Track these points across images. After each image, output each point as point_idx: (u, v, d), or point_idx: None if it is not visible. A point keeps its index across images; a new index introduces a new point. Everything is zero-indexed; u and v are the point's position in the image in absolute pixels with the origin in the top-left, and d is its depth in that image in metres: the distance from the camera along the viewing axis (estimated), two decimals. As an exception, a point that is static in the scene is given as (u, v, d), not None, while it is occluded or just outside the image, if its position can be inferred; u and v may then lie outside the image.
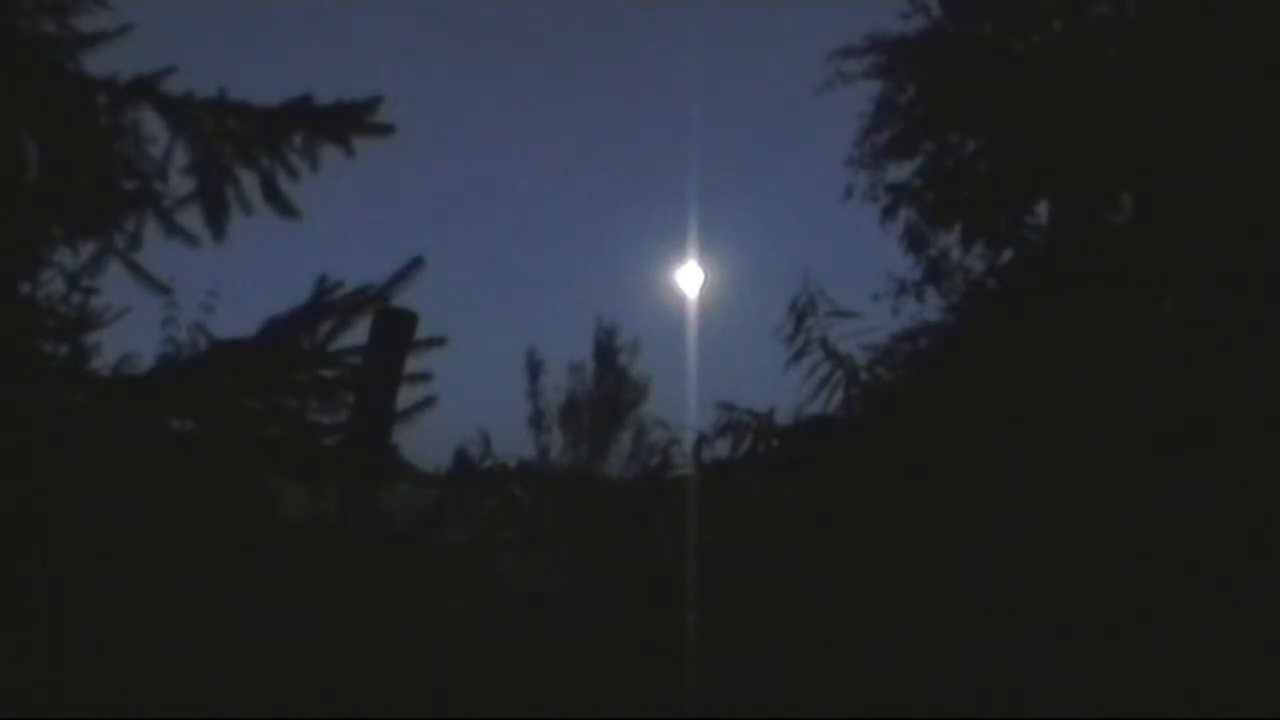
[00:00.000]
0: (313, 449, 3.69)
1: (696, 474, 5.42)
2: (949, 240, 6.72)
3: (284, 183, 4.07)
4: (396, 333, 3.61)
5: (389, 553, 3.50)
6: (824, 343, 5.58)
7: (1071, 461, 4.88)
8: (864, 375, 5.67)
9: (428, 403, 3.67)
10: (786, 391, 5.57)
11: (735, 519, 5.26)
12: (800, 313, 5.58)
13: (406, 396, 3.63)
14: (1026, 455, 4.96)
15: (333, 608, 3.32)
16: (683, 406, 6.01)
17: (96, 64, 3.98)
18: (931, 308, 6.70)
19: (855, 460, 5.39)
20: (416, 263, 3.73)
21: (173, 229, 4.06)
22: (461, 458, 5.06)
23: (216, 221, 4.06)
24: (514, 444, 6.18)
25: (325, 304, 3.77)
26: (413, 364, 3.62)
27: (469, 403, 5.10)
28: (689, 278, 7.31)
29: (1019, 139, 6.40)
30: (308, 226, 4.10)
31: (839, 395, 5.59)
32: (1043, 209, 6.56)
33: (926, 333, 6.32)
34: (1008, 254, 6.57)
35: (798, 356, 5.58)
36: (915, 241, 6.78)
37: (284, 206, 4.09)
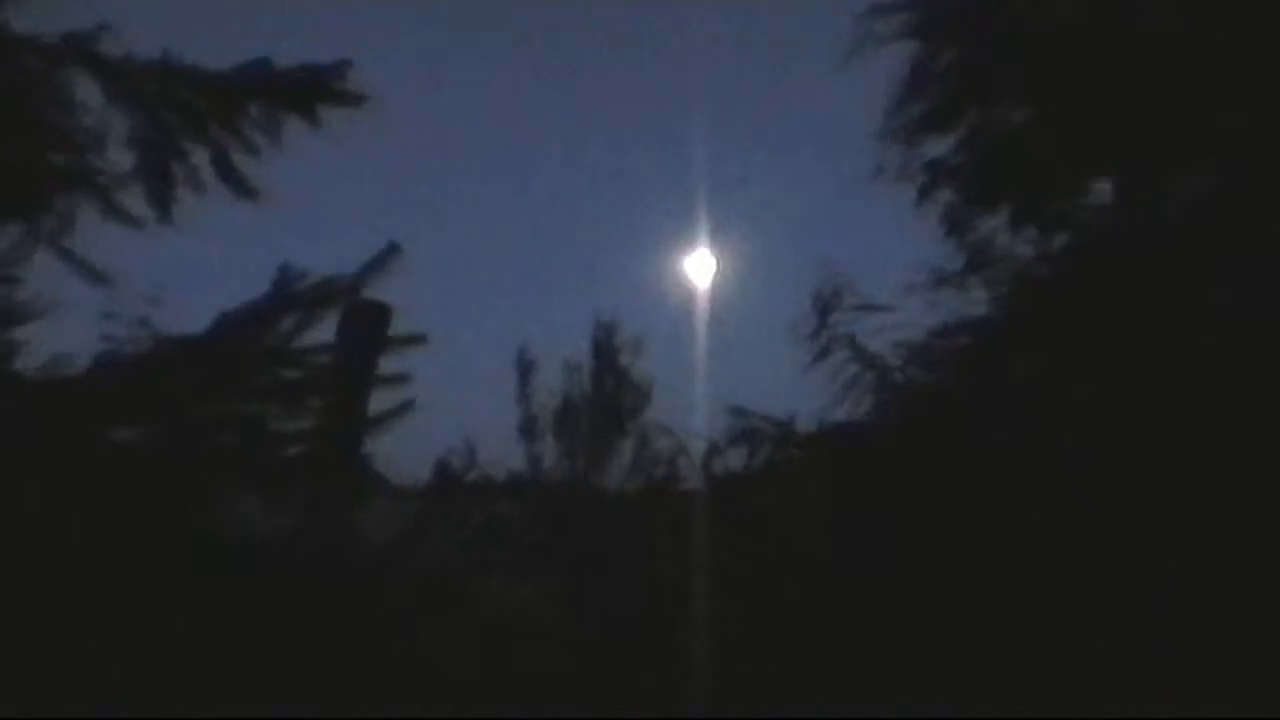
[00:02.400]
0: (274, 461, 3.74)
1: (706, 488, 5.44)
2: (995, 224, 6.73)
3: (240, 159, 4.10)
4: (369, 329, 3.66)
5: (362, 577, 3.52)
6: (851, 340, 5.60)
7: (1134, 474, 4.88)
8: (897, 377, 5.69)
9: (405, 407, 3.73)
10: (809, 396, 5.59)
11: (750, 538, 5.28)
12: (824, 306, 5.60)
13: (381, 400, 3.66)
14: (1083, 465, 4.97)
15: (299, 639, 3.34)
16: (691, 412, 6.05)
17: (22, 20, 3.99)
18: (974, 300, 6.71)
19: (887, 473, 5.40)
20: (392, 250, 3.78)
21: (111, 210, 4.08)
22: (443, 469, 5.08)
23: (161, 201, 4.11)
24: (502, 454, 6.21)
25: (288, 296, 3.82)
26: (388, 364, 3.66)
27: (451, 408, 5.13)
28: (698, 267, 7.33)
29: (1076, 106, 6.39)
30: (273, 211, 4.14)
31: (869, 399, 5.60)
32: (1104, 187, 6.57)
33: (969, 328, 6.33)
34: (1063, 239, 6.57)
35: (822, 356, 5.60)
36: (956, 225, 6.78)
37: (240, 186, 4.13)
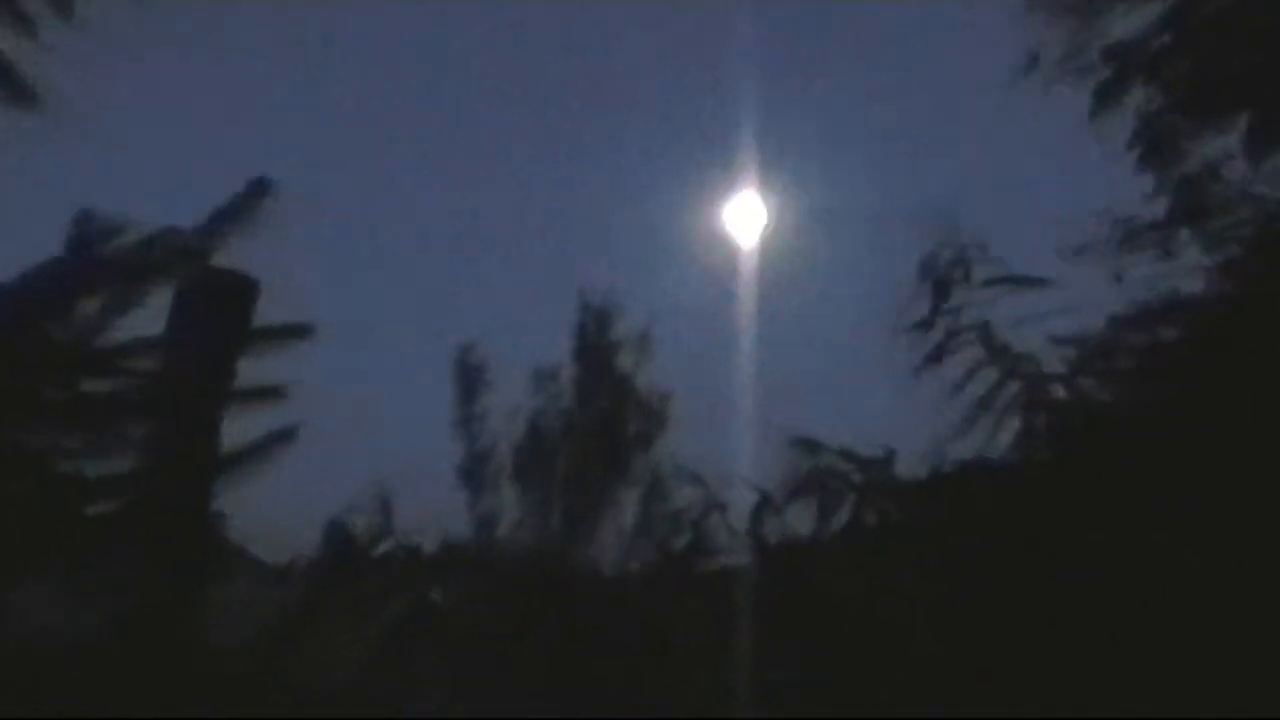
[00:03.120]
0: (73, 520, 3.79)
1: (755, 563, 5.53)
2: (1221, 146, 6.81)
3: (12, 46, 4.17)
4: (224, 315, 3.71)
5: (214, 690, 3.60)
6: (983, 331, 5.67)
7: None
8: (1059, 390, 5.76)
9: (282, 438, 3.77)
10: (913, 419, 5.67)
11: (822, 636, 5.35)
12: (941, 279, 5.68)
13: (243, 427, 3.73)
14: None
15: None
16: (729, 443, 6.14)
17: None
18: (1187, 267, 6.80)
19: (1045, 543, 5.46)
20: (259, 188, 3.83)
21: None
22: (338, 535, 5.19)
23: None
24: (433, 510, 6.33)
25: (90, 263, 3.86)
26: (254, 370, 3.72)
27: (354, 440, 5.23)
28: (741, 219, 7.40)
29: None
30: (73, 131, 4.22)
31: (1014, 425, 5.68)
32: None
33: (1178, 313, 6.40)
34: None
35: (936, 356, 5.68)
36: (1157, 150, 6.88)
37: (13, 87, 4.20)
